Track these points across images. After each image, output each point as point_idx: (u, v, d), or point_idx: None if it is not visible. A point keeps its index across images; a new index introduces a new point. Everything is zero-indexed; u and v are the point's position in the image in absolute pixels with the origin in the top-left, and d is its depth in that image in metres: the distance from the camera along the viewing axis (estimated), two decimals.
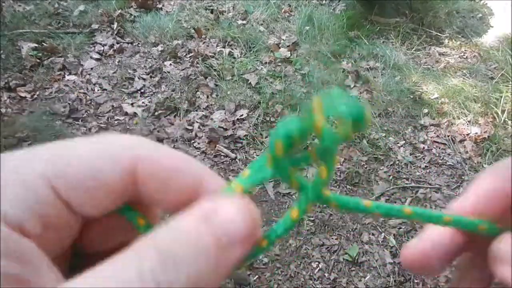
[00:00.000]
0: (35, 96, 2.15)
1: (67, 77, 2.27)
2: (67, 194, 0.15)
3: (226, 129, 2.07)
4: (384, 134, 2.11)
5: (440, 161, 2.01)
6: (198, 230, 0.14)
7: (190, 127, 2.07)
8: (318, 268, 1.59)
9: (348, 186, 1.87)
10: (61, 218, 0.15)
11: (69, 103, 2.12)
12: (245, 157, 1.96)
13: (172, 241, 0.14)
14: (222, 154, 1.97)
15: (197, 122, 2.10)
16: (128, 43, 2.56)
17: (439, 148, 2.09)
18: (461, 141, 2.12)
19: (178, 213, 0.15)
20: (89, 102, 2.17)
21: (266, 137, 2.07)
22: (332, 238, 1.68)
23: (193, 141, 2.02)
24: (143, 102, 2.20)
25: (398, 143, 2.08)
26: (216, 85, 2.31)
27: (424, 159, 2.02)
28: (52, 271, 0.15)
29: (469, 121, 2.22)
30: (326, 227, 1.72)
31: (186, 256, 0.14)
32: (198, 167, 0.18)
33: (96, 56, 2.43)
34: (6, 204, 0.14)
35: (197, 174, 0.18)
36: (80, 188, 0.15)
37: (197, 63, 2.43)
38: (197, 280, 0.14)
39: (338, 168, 1.94)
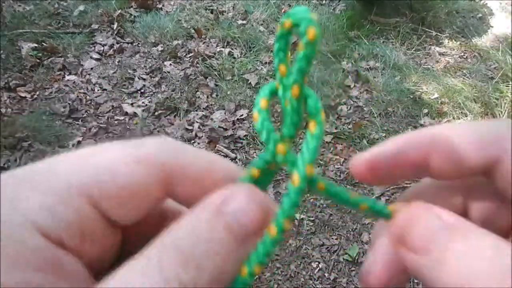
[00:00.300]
0: (35, 96, 2.15)
1: (67, 77, 2.27)
2: (103, 205, 0.15)
3: (226, 129, 2.07)
4: (384, 134, 2.11)
5: None
6: (213, 225, 0.15)
7: (190, 127, 2.08)
8: (318, 268, 1.59)
9: (348, 186, 1.87)
10: (98, 229, 0.15)
11: (69, 103, 2.12)
12: (245, 157, 1.96)
13: (190, 239, 0.14)
14: (222, 154, 1.97)
15: (197, 122, 2.10)
16: (128, 43, 2.56)
17: None
18: None
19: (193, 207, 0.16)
20: (89, 102, 2.17)
21: None
22: (332, 238, 1.68)
23: (193, 141, 2.02)
24: (143, 102, 2.20)
25: None
26: (216, 85, 2.32)
27: None
28: (90, 283, 0.15)
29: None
30: (326, 227, 1.72)
31: (205, 253, 0.14)
32: (228, 165, 0.18)
33: (96, 56, 2.43)
34: (42, 216, 0.14)
35: (227, 172, 0.18)
36: (117, 198, 0.15)
37: (197, 63, 2.43)
38: (218, 274, 0.14)
39: (338, 168, 1.94)
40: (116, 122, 2.10)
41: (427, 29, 2.87)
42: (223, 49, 2.55)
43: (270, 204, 0.17)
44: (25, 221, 0.14)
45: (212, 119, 2.13)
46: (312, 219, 1.73)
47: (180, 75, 2.35)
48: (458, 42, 2.84)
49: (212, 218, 0.15)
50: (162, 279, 0.13)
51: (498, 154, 0.17)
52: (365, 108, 2.27)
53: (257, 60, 2.51)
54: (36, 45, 2.35)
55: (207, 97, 2.26)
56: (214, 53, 2.52)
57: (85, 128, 2.03)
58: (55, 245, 0.14)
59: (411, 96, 2.36)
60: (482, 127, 0.18)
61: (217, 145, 2.00)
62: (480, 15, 3.13)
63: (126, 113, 2.13)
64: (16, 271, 0.13)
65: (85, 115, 2.10)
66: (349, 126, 2.14)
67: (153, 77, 2.35)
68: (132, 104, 2.18)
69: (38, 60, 2.29)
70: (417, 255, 0.15)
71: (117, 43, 2.54)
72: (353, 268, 1.59)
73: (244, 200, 0.16)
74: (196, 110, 2.17)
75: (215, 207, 0.15)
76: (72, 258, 0.14)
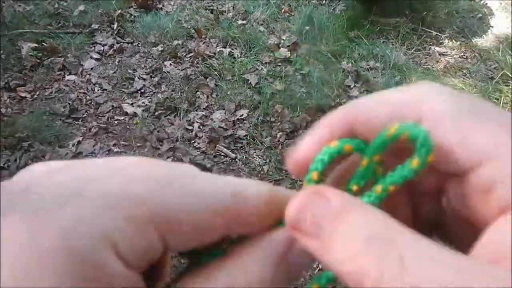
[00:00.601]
0: (35, 96, 2.15)
1: (67, 77, 2.27)
2: (169, 239, 0.16)
3: (226, 129, 2.07)
4: None
5: None
6: (277, 271, 0.17)
7: (190, 127, 2.08)
8: (318, 268, 1.59)
9: None
10: (158, 254, 0.17)
11: (69, 103, 2.12)
12: (245, 157, 1.96)
13: (259, 281, 0.17)
14: (222, 154, 1.97)
15: (197, 122, 2.10)
16: (128, 43, 2.56)
17: None
18: None
19: (256, 248, 0.18)
20: (89, 102, 2.17)
21: (266, 137, 2.07)
22: None
23: (193, 141, 2.02)
24: (143, 102, 2.20)
25: None
26: (216, 85, 2.32)
27: None
28: None
29: None
30: None
31: None
32: (281, 200, 0.19)
33: (96, 56, 2.43)
34: (119, 239, 0.15)
35: (281, 210, 0.19)
36: (185, 236, 0.17)
37: (197, 63, 2.43)
38: None
39: None
40: (116, 122, 2.10)
41: (427, 29, 2.87)
42: (223, 49, 2.55)
43: None
44: (104, 240, 0.15)
45: (212, 119, 2.13)
46: None
47: (180, 75, 2.35)
48: (458, 42, 2.84)
49: (276, 265, 0.17)
50: None
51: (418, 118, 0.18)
52: None
53: (257, 60, 2.51)
54: (36, 45, 2.35)
55: (207, 97, 2.26)
56: (214, 53, 2.52)
57: (85, 128, 2.03)
58: (125, 265, 0.15)
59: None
60: (397, 94, 0.19)
61: (217, 145, 2.00)
62: (480, 15, 3.13)
63: (126, 113, 2.13)
64: None
65: (85, 115, 2.10)
66: None
67: (153, 77, 2.35)
68: (132, 104, 2.18)
69: (38, 60, 2.29)
70: (310, 239, 0.16)
71: (117, 43, 2.54)
72: None
73: (301, 251, 0.18)
74: (196, 110, 2.17)
75: (279, 255, 0.18)
76: (137, 276, 0.16)
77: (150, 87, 2.29)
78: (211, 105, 2.22)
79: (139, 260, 0.16)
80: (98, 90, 2.25)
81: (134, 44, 2.56)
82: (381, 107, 0.18)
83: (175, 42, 2.56)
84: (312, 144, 0.19)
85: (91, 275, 0.14)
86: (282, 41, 2.66)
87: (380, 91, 0.19)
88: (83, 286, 0.14)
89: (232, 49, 2.56)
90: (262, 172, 1.90)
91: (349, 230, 0.15)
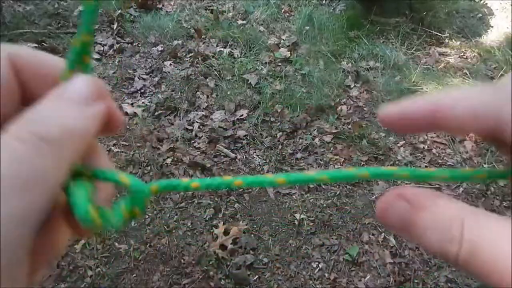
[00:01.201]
0: None
1: None
2: None
3: (226, 129, 2.07)
4: (384, 134, 2.11)
5: (440, 161, 2.02)
6: (58, 105, 0.19)
7: (190, 127, 2.08)
8: (318, 268, 1.59)
9: (348, 186, 1.87)
10: None
11: None
12: (245, 157, 1.96)
13: (44, 119, 0.19)
14: (222, 154, 1.97)
15: (197, 122, 2.10)
16: (128, 43, 2.56)
17: (439, 148, 2.09)
18: (461, 141, 2.12)
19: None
20: None
21: (266, 137, 2.07)
22: (332, 238, 1.68)
23: (193, 141, 2.02)
24: (143, 102, 2.20)
25: (398, 143, 2.09)
26: (216, 85, 2.32)
27: (424, 159, 2.02)
28: None
29: None
30: (326, 227, 1.72)
31: (57, 114, 0.19)
32: (59, 59, 0.23)
33: (96, 56, 2.43)
34: None
35: (59, 64, 0.22)
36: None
37: (197, 63, 2.43)
38: (73, 126, 0.19)
39: (338, 168, 1.94)
40: None
41: (427, 29, 2.87)
42: (223, 49, 2.55)
43: (99, 80, 0.22)
44: None
45: (212, 119, 2.13)
46: (312, 219, 1.73)
47: (180, 75, 2.35)
48: (458, 42, 2.84)
49: (57, 100, 0.20)
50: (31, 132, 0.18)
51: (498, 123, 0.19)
52: (365, 108, 2.27)
53: (257, 60, 2.51)
54: (36, 45, 2.35)
55: (207, 97, 2.26)
56: (214, 53, 2.52)
57: None
58: None
59: (411, 96, 2.35)
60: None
61: (217, 145, 2.00)
62: (480, 15, 3.13)
63: (126, 113, 2.12)
64: None
65: None
66: (349, 126, 2.14)
67: (153, 77, 2.35)
68: (132, 104, 2.18)
69: None
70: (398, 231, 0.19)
71: (117, 43, 2.54)
72: (353, 268, 1.59)
73: (80, 82, 0.21)
74: (196, 110, 2.17)
75: (60, 91, 0.20)
76: None
77: (150, 87, 2.29)
78: (211, 105, 2.22)
79: None
80: None
81: (134, 44, 2.56)
82: (463, 108, 0.20)
83: (175, 42, 2.56)
84: (401, 112, 0.22)
85: None
86: (282, 41, 2.66)
87: (464, 88, 0.21)
88: None
89: (232, 49, 2.56)
90: (262, 172, 1.90)
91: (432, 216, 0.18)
